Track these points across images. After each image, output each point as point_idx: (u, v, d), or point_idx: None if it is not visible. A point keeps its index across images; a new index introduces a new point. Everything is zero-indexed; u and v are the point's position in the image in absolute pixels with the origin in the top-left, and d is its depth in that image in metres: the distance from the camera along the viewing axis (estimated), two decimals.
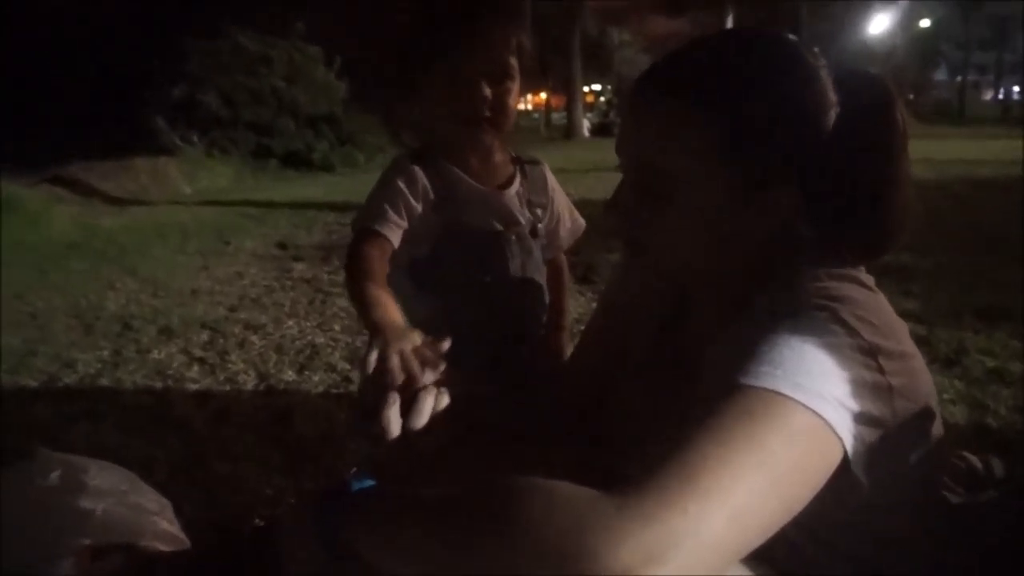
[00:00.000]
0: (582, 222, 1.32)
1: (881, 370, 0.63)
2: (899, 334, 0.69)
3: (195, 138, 11.74)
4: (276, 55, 12.75)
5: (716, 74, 0.70)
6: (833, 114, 0.70)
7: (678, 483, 0.50)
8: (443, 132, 1.16)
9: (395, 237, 1.10)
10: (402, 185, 1.12)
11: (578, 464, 0.89)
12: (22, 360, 2.93)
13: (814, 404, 0.57)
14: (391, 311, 0.93)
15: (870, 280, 0.74)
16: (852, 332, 0.63)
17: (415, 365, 0.78)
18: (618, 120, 20.75)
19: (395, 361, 0.77)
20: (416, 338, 0.82)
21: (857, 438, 0.60)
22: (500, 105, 1.10)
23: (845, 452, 0.59)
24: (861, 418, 0.60)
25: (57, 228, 6.15)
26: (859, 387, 0.61)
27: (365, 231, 1.09)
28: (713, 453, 0.52)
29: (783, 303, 0.67)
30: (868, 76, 0.74)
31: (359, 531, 0.64)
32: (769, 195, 0.71)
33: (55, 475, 0.95)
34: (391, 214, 1.10)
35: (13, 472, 0.96)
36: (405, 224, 1.12)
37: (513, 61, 1.10)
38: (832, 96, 0.70)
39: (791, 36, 0.76)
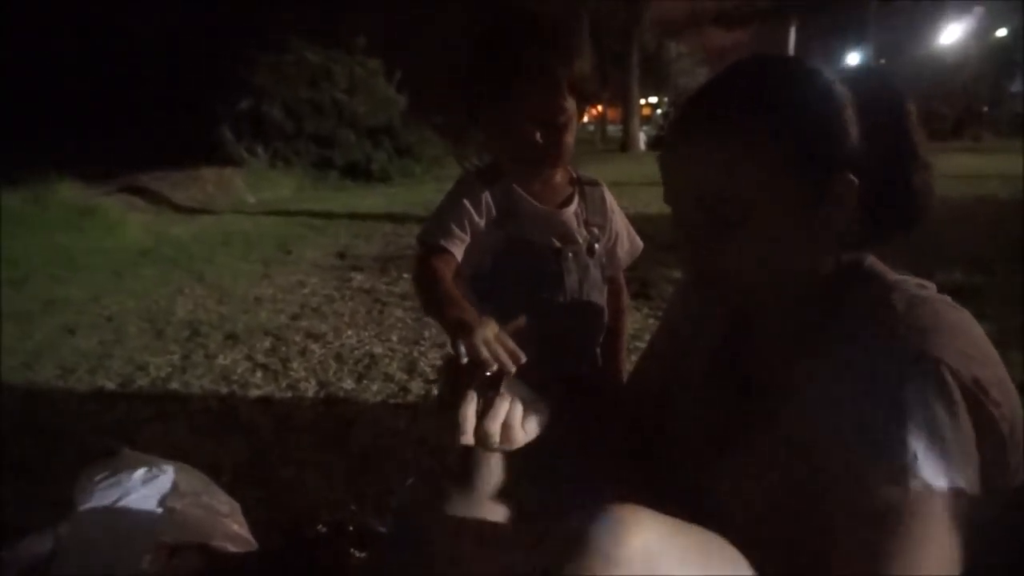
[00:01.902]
0: (640, 243, 1.34)
1: (983, 404, 0.66)
2: (990, 352, 0.71)
3: (259, 149, 12.15)
4: (338, 68, 13.10)
5: (760, 92, 0.75)
6: (852, 108, 0.75)
7: None
8: (505, 160, 1.20)
9: (459, 252, 1.16)
10: (467, 203, 1.16)
11: (640, 483, 0.90)
12: (100, 362, 3.10)
13: (961, 483, 0.64)
14: (466, 306, 0.96)
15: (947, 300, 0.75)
16: (959, 377, 0.66)
17: (502, 353, 0.79)
18: None
19: (482, 351, 0.78)
20: (494, 326, 0.83)
21: (978, 486, 0.65)
22: (554, 145, 1.12)
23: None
24: (983, 466, 0.66)
25: (131, 235, 6.45)
26: (976, 432, 0.66)
27: (432, 247, 1.15)
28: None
29: (881, 347, 0.69)
30: (874, 70, 0.82)
31: None
32: (833, 182, 0.74)
33: (138, 474, 1.01)
34: (456, 230, 1.15)
35: (100, 468, 1.02)
36: (468, 239, 1.17)
37: (566, 102, 1.10)
38: (844, 90, 0.76)
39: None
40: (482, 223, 1.17)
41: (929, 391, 0.65)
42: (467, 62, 1.14)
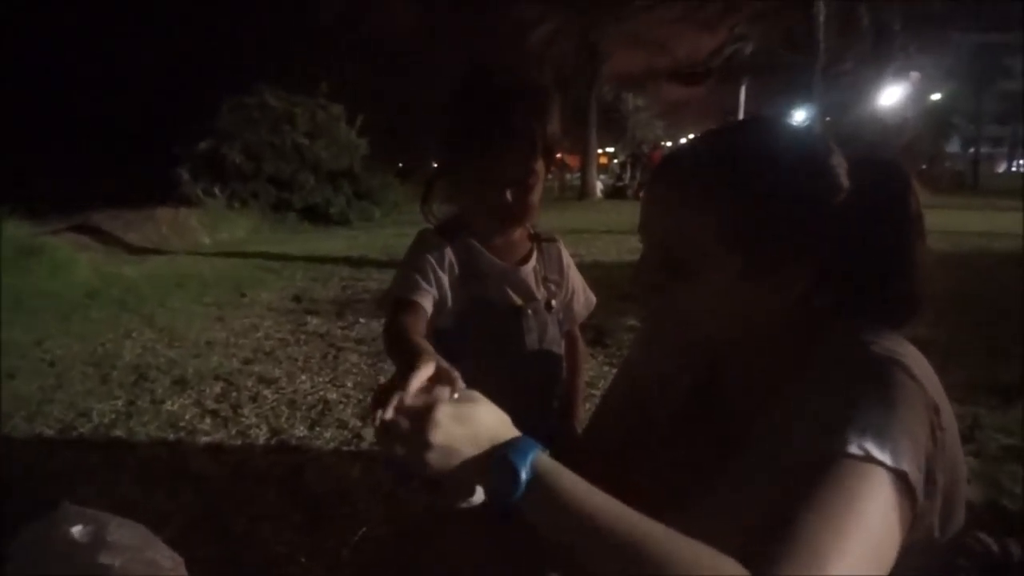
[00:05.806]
0: (593, 297, 1.37)
1: (940, 427, 0.66)
2: (944, 396, 0.71)
3: (217, 190, 12.02)
4: (300, 112, 13.14)
5: (719, 164, 0.74)
6: (843, 197, 0.73)
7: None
8: (469, 216, 1.21)
9: (428, 304, 1.13)
10: (431, 259, 1.16)
11: None
12: (39, 408, 2.98)
13: (906, 468, 0.60)
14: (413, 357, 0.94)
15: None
16: (922, 388, 0.66)
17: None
18: (630, 182, 21.03)
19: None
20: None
21: (929, 497, 0.63)
22: (522, 204, 1.14)
23: (918, 510, 0.63)
24: (929, 477, 0.64)
25: (79, 276, 6.26)
26: (929, 444, 0.64)
27: (400, 301, 1.12)
28: (831, 537, 0.57)
29: (853, 357, 0.69)
30: (883, 161, 0.78)
31: (535, 503, 0.65)
32: (779, 275, 0.74)
33: (76, 529, 0.97)
34: (423, 284, 1.14)
35: (36, 524, 0.98)
36: (436, 293, 1.15)
37: (537, 166, 1.13)
38: (842, 180, 0.74)
39: (805, 124, 0.81)
40: (446, 279, 1.17)
41: (894, 386, 0.64)
42: (444, 122, 1.15)
